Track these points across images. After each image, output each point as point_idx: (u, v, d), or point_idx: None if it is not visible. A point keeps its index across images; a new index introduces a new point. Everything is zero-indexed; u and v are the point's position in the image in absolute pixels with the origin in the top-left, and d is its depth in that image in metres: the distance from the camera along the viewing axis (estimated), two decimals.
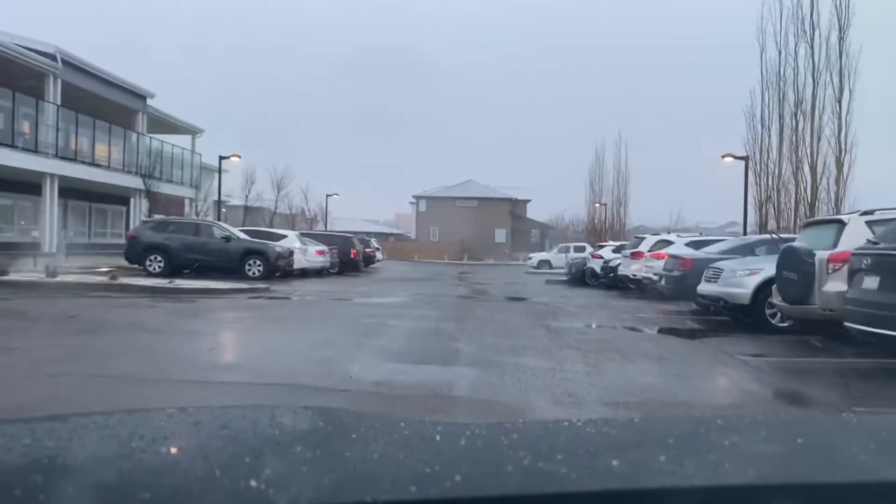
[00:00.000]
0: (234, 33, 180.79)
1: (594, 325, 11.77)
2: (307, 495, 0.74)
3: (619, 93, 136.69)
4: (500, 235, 66.10)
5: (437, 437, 0.98)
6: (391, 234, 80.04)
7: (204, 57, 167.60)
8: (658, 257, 16.61)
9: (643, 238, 19.75)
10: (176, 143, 32.05)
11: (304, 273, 23.37)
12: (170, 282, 16.33)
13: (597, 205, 49.69)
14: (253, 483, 0.74)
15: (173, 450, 0.94)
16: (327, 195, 47.22)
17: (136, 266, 19.79)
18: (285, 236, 22.62)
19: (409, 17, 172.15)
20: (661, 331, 11.06)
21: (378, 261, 39.09)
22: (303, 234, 27.64)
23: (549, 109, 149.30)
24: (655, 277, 16.41)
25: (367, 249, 34.86)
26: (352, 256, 28.68)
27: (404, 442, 0.98)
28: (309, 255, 23.56)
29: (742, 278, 10.96)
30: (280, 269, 20.12)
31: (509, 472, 0.82)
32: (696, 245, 16.19)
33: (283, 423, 1.10)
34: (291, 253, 20.48)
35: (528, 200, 72.79)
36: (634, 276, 18.16)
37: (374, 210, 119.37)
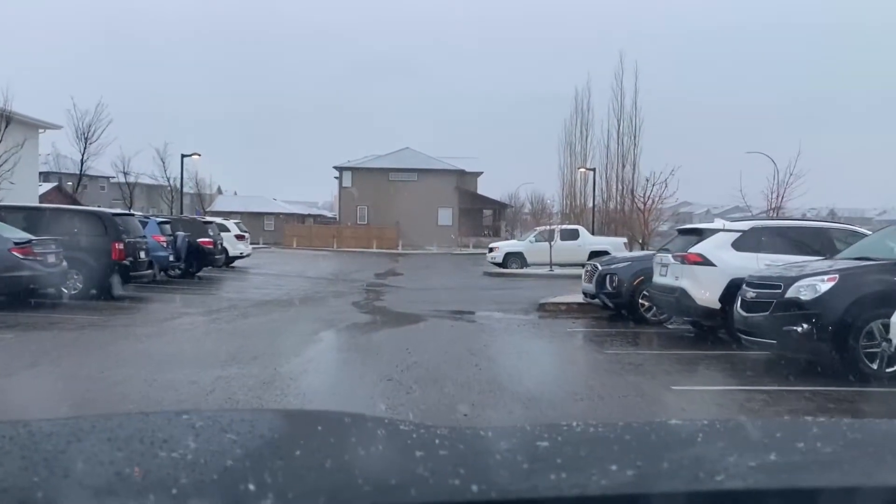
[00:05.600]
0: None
1: None
2: (306, 500, 0.73)
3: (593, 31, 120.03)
4: (445, 217, 51.83)
5: (437, 441, 0.97)
6: (309, 216, 64.44)
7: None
8: None
9: None
10: None
11: None
12: None
13: (581, 170, 34.71)
14: (252, 487, 0.73)
15: (173, 453, 0.89)
16: (183, 156, 31.05)
17: None
18: None
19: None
20: None
21: (242, 257, 23.89)
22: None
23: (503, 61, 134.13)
24: None
25: (204, 240, 19.50)
26: (114, 257, 13.17)
27: (404, 446, 0.97)
28: None
29: None
30: None
31: (509, 477, 0.82)
32: None
33: (283, 426, 1.07)
34: None
35: (480, 173, 58.07)
36: None
37: (314, 192, 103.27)
